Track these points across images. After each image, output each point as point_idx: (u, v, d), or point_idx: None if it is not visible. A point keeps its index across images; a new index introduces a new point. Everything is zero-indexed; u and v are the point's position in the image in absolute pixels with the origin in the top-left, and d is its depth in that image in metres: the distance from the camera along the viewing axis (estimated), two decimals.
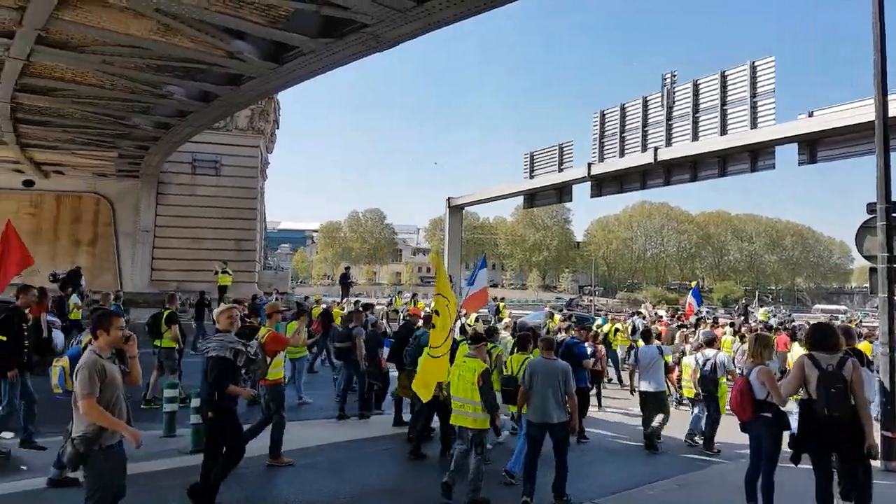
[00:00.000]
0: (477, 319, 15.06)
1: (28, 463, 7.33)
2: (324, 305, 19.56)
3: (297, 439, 8.50)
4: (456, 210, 35.43)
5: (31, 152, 22.93)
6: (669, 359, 11.42)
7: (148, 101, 17.60)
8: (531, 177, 30.18)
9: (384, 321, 15.03)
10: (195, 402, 8.28)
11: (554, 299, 67.05)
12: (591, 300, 65.38)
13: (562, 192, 29.51)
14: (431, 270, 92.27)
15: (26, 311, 8.02)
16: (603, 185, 26.91)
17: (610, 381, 15.93)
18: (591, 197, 27.37)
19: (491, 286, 15.50)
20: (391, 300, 26.99)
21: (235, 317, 6.33)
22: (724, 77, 21.39)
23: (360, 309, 13.60)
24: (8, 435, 8.13)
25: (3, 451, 7.43)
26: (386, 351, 10.71)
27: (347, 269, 30.02)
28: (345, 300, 25.36)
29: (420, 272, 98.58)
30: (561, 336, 11.56)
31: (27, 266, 14.39)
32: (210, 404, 5.97)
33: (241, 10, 11.84)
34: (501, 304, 23.96)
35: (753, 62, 20.50)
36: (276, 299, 19.36)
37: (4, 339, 7.38)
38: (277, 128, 36.71)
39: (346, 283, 27.49)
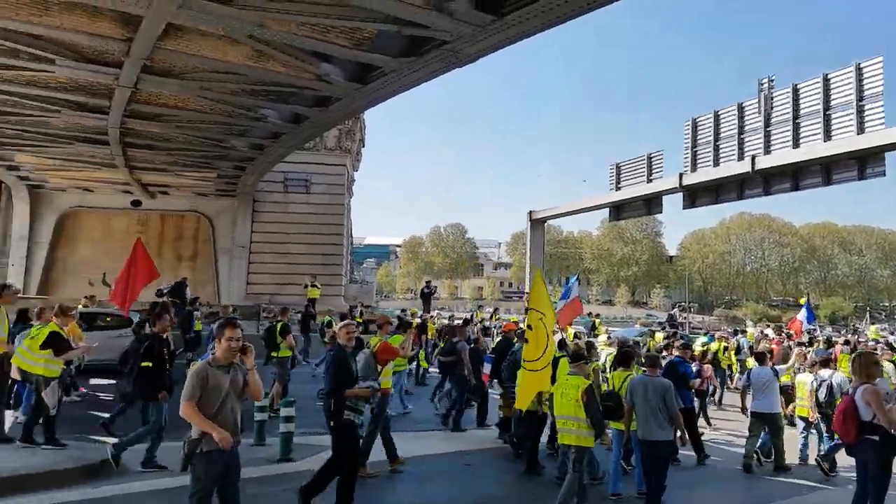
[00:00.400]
0: (576, 336, 14.95)
1: (129, 466, 7.73)
2: (418, 319, 19.91)
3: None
4: (538, 224, 34.99)
5: (139, 174, 24.67)
6: (787, 379, 10.94)
7: (244, 123, 18.53)
8: (617, 188, 29.38)
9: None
10: (285, 412, 8.58)
11: (644, 316, 64.68)
12: (685, 317, 62.64)
13: (651, 203, 28.49)
14: (514, 285, 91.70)
15: (164, 335, 8.48)
16: (696, 195, 25.76)
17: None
18: (684, 208, 26.27)
19: None
20: (472, 314, 26.92)
21: (353, 332, 6.68)
22: (826, 80, 20.04)
23: (462, 324, 13.93)
24: (114, 439, 8.63)
25: (107, 457, 7.76)
26: (487, 367, 10.80)
27: (428, 282, 30.23)
28: (435, 313, 25.58)
29: (502, 287, 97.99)
30: (665, 355, 11.38)
31: (153, 279, 15.73)
32: (329, 413, 6.30)
33: (327, 35, 12.26)
34: (597, 320, 23.31)
35: (859, 63, 19.10)
36: (361, 312, 19.87)
37: (150, 364, 7.86)
38: (363, 146, 37.78)
39: (427, 296, 27.72)
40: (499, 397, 10.62)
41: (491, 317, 28.28)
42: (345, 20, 11.28)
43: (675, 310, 55.43)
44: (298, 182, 30.72)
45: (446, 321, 22.49)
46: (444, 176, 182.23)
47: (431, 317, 22.90)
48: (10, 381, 8.86)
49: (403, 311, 22.41)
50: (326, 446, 8.83)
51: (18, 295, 10.26)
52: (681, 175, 25.36)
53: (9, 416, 8.78)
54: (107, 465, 7.60)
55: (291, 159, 25.51)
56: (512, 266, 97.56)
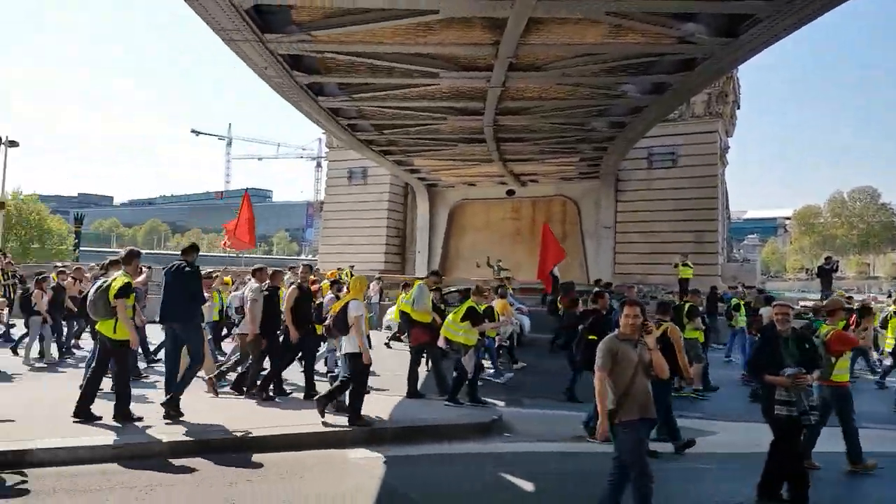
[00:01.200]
0: None
1: (513, 428, 8.38)
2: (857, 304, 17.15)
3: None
4: None
5: (511, 165, 26.76)
6: None
7: (603, 103, 18.39)
8: None
9: None
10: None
11: None
12: None
13: None
14: None
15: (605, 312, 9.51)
16: None
17: None
18: None
19: None
20: (893, 296, 21.70)
21: (788, 314, 6.03)
22: None
23: None
24: (500, 403, 9.66)
25: (496, 417, 8.58)
26: None
27: (829, 258, 25.61)
28: (870, 301, 21.54)
29: None
30: None
31: (560, 260, 16.92)
32: (762, 402, 5.97)
33: None
34: None
35: None
36: (744, 294, 17.97)
37: (595, 338, 8.37)
38: (738, 108, 34.03)
39: (827, 273, 23.49)
40: None
41: None
42: None
43: None
44: (664, 156, 29.29)
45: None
46: (847, 132, 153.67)
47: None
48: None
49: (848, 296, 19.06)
50: (699, 431, 8.39)
51: (438, 279, 12.31)
52: None
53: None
54: (496, 425, 8.32)
55: (655, 133, 24.51)
56: None
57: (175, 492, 5.49)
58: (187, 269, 7.94)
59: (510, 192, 32.23)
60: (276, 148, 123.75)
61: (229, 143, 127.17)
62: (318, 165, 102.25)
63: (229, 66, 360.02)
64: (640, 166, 29.69)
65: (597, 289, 12.75)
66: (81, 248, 40.07)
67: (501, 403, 9.82)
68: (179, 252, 8.45)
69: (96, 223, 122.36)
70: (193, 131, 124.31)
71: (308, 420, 7.69)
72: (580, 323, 9.99)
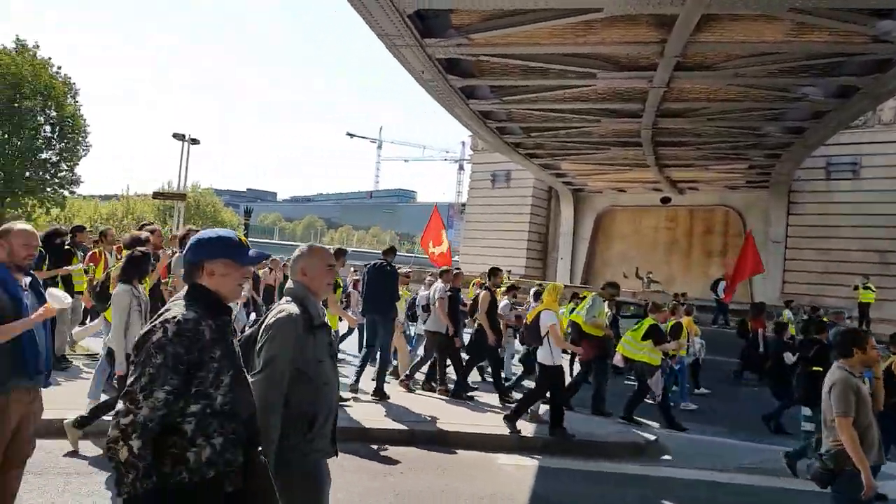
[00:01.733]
0: None
1: (671, 452, 7.86)
2: None
3: None
4: None
5: (668, 172, 25.37)
6: None
7: (779, 106, 16.99)
8: None
9: None
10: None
11: None
12: None
13: None
14: None
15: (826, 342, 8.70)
16: None
17: None
18: None
19: None
20: None
21: None
22: None
23: None
24: (655, 424, 9.12)
25: (653, 439, 8.09)
26: None
27: None
28: None
29: None
30: None
31: (757, 273, 15.41)
32: None
33: None
34: None
35: None
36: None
37: (821, 370, 7.48)
38: None
39: None
40: None
41: None
42: None
43: None
44: (844, 166, 26.28)
45: None
46: None
47: None
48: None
49: None
50: (885, 475, 7.22)
51: (616, 292, 11.31)
52: None
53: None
54: (651, 447, 7.87)
55: (834, 140, 22.10)
56: None
57: (333, 476, 5.71)
58: (388, 268, 8.73)
59: (665, 200, 30.63)
60: (421, 150, 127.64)
61: (380, 146, 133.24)
62: (461, 168, 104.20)
63: (383, 72, 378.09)
64: (817, 176, 26.85)
65: (823, 318, 12.10)
66: (249, 239, 43.76)
67: (657, 425, 9.28)
68: (381, 252, 9.25)
69: (261, 216, 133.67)
70: (349, 134, 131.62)
71: (481, 421, 7.87)
72: (787, 351, 9.32)
